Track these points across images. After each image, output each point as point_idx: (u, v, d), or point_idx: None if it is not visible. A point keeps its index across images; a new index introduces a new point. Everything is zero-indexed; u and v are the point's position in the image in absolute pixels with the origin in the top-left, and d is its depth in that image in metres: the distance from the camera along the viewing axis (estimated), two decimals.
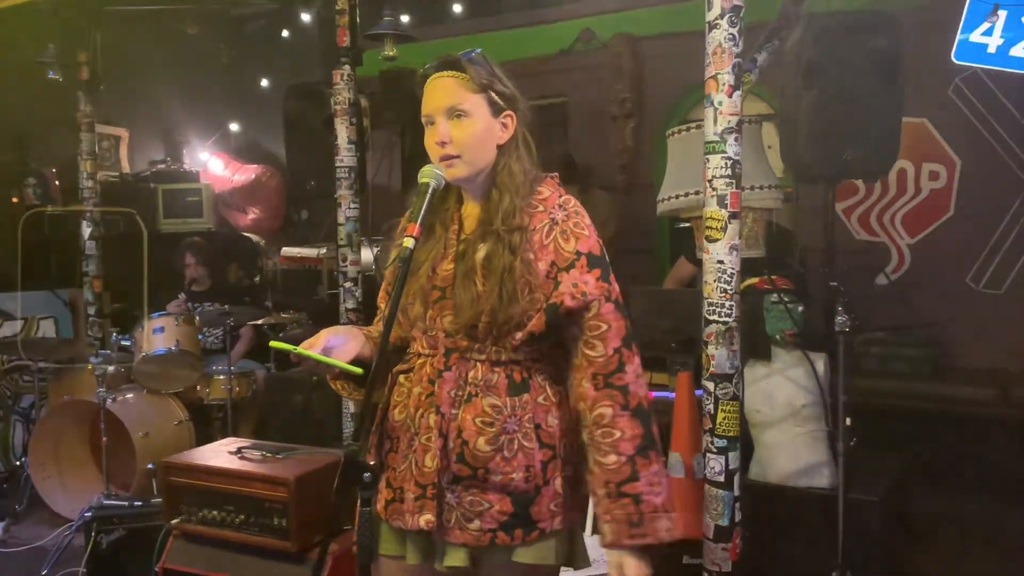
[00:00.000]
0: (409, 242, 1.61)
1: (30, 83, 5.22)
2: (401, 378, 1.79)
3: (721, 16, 2.54)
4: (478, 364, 1.70)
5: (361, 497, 1.57)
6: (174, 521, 2.67)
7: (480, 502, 1.69)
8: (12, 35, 4.95)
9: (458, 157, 1.71)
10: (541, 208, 1.74)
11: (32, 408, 5.19)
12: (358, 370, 1.67)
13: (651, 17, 5.55)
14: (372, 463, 1.71)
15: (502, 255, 1.67)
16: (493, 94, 1.72)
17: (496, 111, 1.73)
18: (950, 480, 4.14)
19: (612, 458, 1.65)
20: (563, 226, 1.71)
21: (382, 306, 1.92)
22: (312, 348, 1.65)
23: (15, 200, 5.86)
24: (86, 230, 5.29)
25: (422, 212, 1.65)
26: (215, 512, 2.61)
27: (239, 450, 2.74)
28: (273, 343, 1.66)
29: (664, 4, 5.42)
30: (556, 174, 1.84)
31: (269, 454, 2.69)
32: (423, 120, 1.75)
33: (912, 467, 3.59)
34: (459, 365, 1.71)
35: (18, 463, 4.86)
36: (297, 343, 1.65)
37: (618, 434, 1.65)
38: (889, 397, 4.18)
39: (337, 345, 1.70)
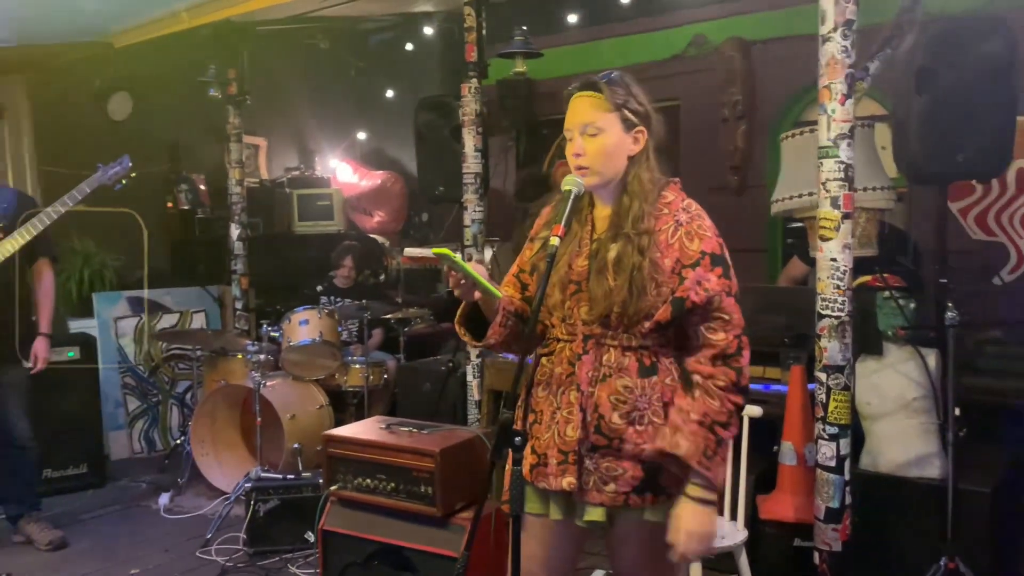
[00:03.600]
0: (555, 240, 1.88)
1: (182, 97, 5.77)
2: (543, 360, 2.06)
3: (834, 29, 2.71)
4: (611, 349, 1.95)
5: (513, 458, 1.84)
6: (332, 487, 3.02)
7: (615, 468, 1.94)
8: (170, 56, 5.48)
9: (587, 168, 1.97)
10: (666, 211, 1.97)
11: (187, 392, 5.75)
12: (499, 293, 1.96)
13: (763, 21, 5.66)
14: (523, 430, 1.99)
15: (631, 255, 1.92)
16: (627, 112, 1.97)
17: (628, 127, 1.98)
18: None
19: (717, 403, 1.89)
20: (687, 227, 1.94)
21: (508, 290, 2.16)
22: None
23: (169, 204, 6.44)
24: (234, 232, 5.79)
25: (566, 214, 1.91)
26: (368, 480, 2.94)
27: (388, 426, 3.07)
28: (435, 249, 1.89)
29: (775, 9, 5.53)
30: (679, 179, 2.08)
31: (415, 430, 3.00)
32: (565, 133, 2.01)
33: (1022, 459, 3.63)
34: (595, 350, 1.96)
35: (176, 442, 5.40)
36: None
37: (728, 394, 1.90)
38: (1005, 396, 4.19)
39: (481, 272, 1.96)
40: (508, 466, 1.98)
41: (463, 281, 1.94)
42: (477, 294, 1.97)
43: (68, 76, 5.52)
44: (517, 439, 1.84)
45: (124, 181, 4.00)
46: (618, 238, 1.95)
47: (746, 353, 1.94)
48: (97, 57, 5.20)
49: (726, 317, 1.91)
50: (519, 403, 2.06)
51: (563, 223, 1.90)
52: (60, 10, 4.40)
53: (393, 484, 2.90)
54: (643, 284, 1.90)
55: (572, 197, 1.94)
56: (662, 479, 1.94)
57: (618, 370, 1.94)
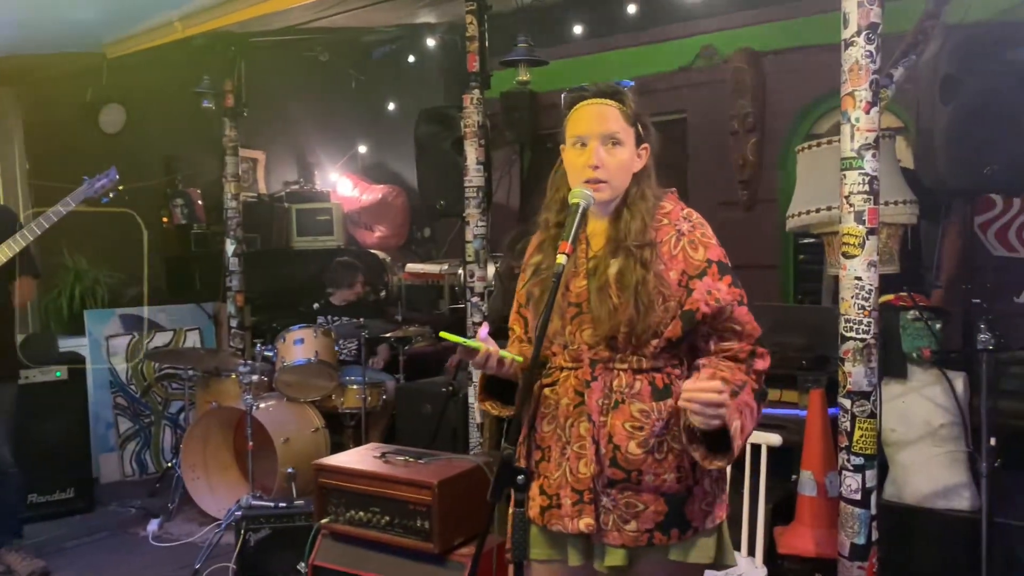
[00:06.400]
0: (562, 259, 1.71)
1: (182, 111, 5.63)
2: (547, 391, 1.89)
3: (858, 33, 2.54)
4: (621, 373, 1.80)
5: (515, 499, 1.67)
6: (324, 520, 2.84)
7: (636, 504, 1.78)
8: (167, 67, 5.35)
9: (606, 182, 1.81)
10: (666, 221, 1.85)
11: (180, 413, 5.57)
12: (519, 358, 1.83)
13: (773, 32, 5.50)
14: (525, 468, 1.81)
15: (634, 269, 1.78)
16: (640, 127, 1.85)
17: (638, 142, 1.86)
18: None
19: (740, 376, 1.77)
20: (690, 236, 1.82)
21: (516, 328, 2.03)
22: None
23: (165, 219, 6.28)
24: (229, 247, 5.63)
25: (574, 230, 1.74)
26: (362, 513, 2.77)
27: (384, 455, 2.89)
28: (443, 333, 1.78)
29: (786, 19, 5.38)
30: (675, 189, 1.95)
31: (412, 459, 2.83)
32: (572, 140, 1.85)
33: None
34: (604, 375, 1.81)
35: (168, 465, 5.22)
36: None
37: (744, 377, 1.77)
38: None
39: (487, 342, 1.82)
40: (511, 508, 1.83)
41: (477, 357, 1.81)
42: (495, 362, 1.82)
43: (59, 88, 5.37)
44: (520, 478, 1.67)
45: (111, 194, 3.84)
46: (618, 253, 1.81)
47: (759, 362, 1.80)
48: (89, 68, 5.05)
49: (739, 328, 1.80)
50: (521, 439, 1.89)
51: (571, 240, 1.73)
52: (51, 19, 4.26)
53: (388, 517, 2.72)
54: (649, 299, 1.76)
55: (580, 211, 1.77)
56: (688, 512, 1.79)
57: (631, 395, 1.79)
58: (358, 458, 2.94)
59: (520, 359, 1.82)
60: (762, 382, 1.80)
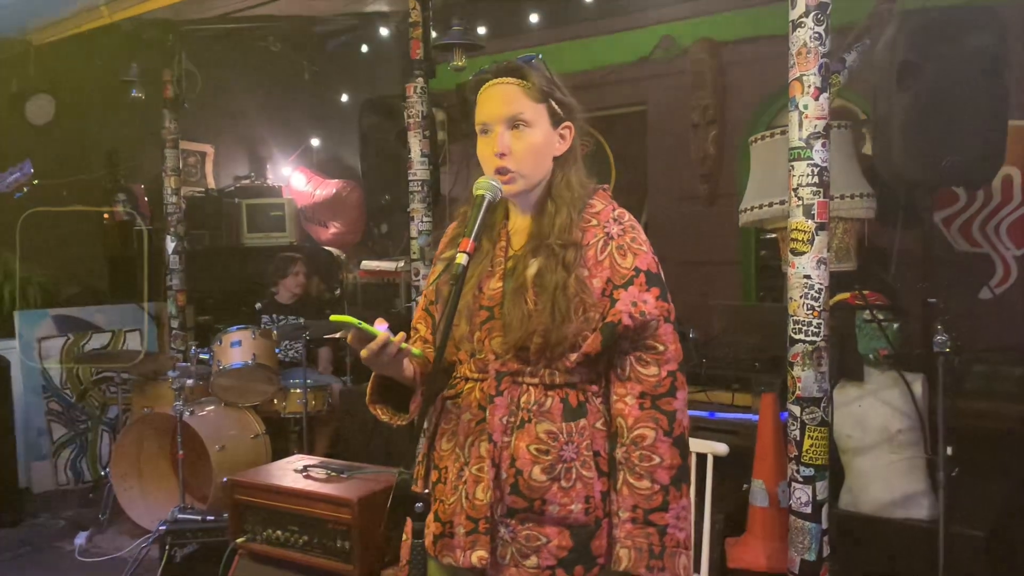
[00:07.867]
0: (462, 258, 1.50)
1: (119, 101, 5.36)
2: (448, 404, 1.69)
3: (806, 14, 2.38)
4: (531, 388, 1.61)
5: (413, 528, 1.48)
6: (239, 540, 2.64)
7: (537, 536, 1.59)
8: (101, 55, 5.08)
9: (515, 172, 1.61)
10: (595, 222, 1.65)
11: (118, 419, 5.32)
12: (417, 351, 1.60)
13: (733, 22, 5.34)
14: (425, 492, 1.61)
15: (555, 271, 1.59)
16: (553, 103, 1.64)
17: (556, 122, 1.65)
18: None
19: (646, 484, 1.56)
20: (619, 241, 1.63)
21: (420, 328, 1.81)
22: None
23: (106, 216, 6.01)
24: (170, 244, 5.39)
25: (476, 226, 1.54)
26: (279, 532, 2.57)
27: (305, 468, 2.69)
28: (335, 316, 1.51)
29: (746, 8, 5.22)
30: (607, 185, 1.75)
31: (334, 473, 2.63)
32: (477, 128, 1.65)
33: (1020, 498, 3.31)
34: (511, 389, 1.61)
35: (103, 473, 4.97)
36: None
37: (657, 460, 1.57)
38: (994, 420, 3.87)
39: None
40: (406, 537, 1.64)
41: (371, 345, 1.51)
42: (390, 354, 1.54)
43: None
44: (418, 505, 1.48)
45: (25, 188, 3.62)
46: (539, 252, 1.61)
47: (681, 394, 1.60)
48: (14, 56, 4.78)
49: (661, 348, 1.60)
50: (419, 458, 1.70)
51: (473, 236, 1.53)
52: None
53: (306, 537, 2.52)
54: (567, 307, 1.56)
55: (485, 204, 1.57)
56: (595, 547, 1.59)
57: (539, 413, 1.59)
58: (278, 472, 2.74)
59: (418, 352, 1.61)
60: (678, 422, 1.58)
